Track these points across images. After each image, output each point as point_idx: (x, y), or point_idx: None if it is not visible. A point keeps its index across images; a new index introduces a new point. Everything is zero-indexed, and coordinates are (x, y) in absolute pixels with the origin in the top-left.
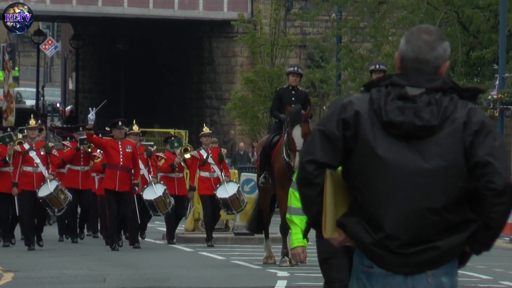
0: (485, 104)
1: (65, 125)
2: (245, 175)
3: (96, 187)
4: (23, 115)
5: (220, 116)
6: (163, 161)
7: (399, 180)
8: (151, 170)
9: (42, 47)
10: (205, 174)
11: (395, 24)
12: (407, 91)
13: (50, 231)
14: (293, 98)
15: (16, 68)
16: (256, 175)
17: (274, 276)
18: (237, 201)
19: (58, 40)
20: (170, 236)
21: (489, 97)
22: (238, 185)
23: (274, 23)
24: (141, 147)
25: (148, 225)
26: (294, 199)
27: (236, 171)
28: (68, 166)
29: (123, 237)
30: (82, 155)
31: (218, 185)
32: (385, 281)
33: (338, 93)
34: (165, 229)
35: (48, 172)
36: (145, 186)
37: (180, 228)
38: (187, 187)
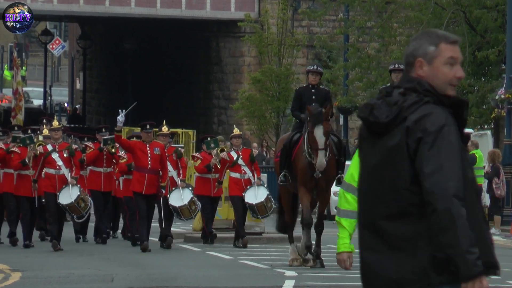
0: (493, 104)
1: (71, 125)
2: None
3: (121, 188)
4: (31, 115)
5: (228, 116)
6: (199, 161)
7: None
8: (181, 172)
9: (49, 46)
10: (235, 175)
11: (403, 24)
12: (392, 91)
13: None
14: (313, 97)
15: (24, 68)
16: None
17: (282, 276)
18: (264, 208)
19: (66, 39)
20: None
21: (497, 97)
22: (268, 192)
23: (282, 23)
24: (171, 149)
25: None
26: (344, 200)
27: None
28: (90, 168)
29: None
30: (105, 156)
31: (248, 187)
32: None
33: (345, 93)
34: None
35: (71, 175)
36: (173, 188)
37: (188, 227)
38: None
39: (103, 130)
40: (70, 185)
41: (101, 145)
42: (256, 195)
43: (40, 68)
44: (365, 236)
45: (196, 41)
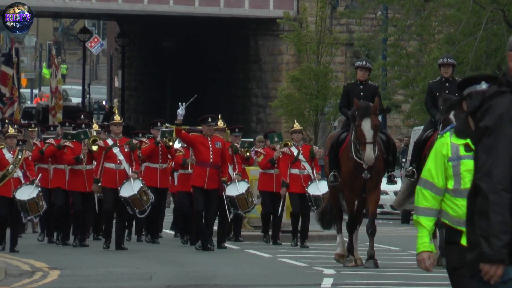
0: None
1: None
2: None
3: (176, 184)
4: (69, 113)
5: (266, 114)
6: (262, 157)
7: None
8: (236, 167)
9: (88, 45)
10: (295, 171)
11: (441, 22)
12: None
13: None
14: (361, 93)
15: (64, 66)
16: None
17: (321, 274)
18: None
19: (104, 38)
20: (274, 236)
21: None
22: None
23: (320, 21)
24: (227, 143)
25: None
26: (422, 198)
27: None
28: (145, 164)
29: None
30: (160, 152)
31: (309, 183)
32: None
33: (384, 91)
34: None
35: (132, 170)
36: (228, 183)
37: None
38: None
39: (158, 124)
40: (131, 179)
41: (158, 138)
42: (318, 187)
43: (78, 66)
44: None
45: (234, 39)
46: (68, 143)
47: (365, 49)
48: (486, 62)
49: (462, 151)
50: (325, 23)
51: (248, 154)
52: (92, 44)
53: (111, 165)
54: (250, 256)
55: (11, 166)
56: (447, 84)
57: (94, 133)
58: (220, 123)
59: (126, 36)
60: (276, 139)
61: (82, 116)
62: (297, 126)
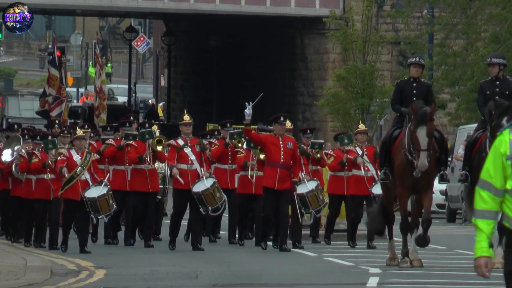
0: None
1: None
2: None
3: (236, 185)
4: (115, 112)
5: (312, 113)
6: (332, 159)
7: None
8: (303, 168)
9: (134, 43)
10: (358, 172)
11: (487, 20)
12: None
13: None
14: (414, 91)
15: (109, 65)
16: None
17: (366, 273)
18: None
19: (150, 36)
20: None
21: None
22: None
23: (366, 20)
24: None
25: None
26: (480, 200)
27: None
28: (215, 165)
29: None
30: (229, 152)
31: (373, 183)
32: None
33: None
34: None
35: (203, 170)
36: (298, 183)
37: None
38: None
39: (228, 125)
40: (204, 177)
41: (227, 140)
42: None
43: (124, 65)
44: None
45: (280, 38)
46: (132, 142)
47: (411, 47)
48: None
49: None
50: (371, 21)
51: (319, 155)
52: (138, 43)
53: (183, 166)
54: (296, 255)
55: (79, 168)
56: (497, 82)
57: (157, 133)
58: (288, 124)
59: (172, 34)
60: (346, 141)
61: (131, 118)
62: (362, 126)
